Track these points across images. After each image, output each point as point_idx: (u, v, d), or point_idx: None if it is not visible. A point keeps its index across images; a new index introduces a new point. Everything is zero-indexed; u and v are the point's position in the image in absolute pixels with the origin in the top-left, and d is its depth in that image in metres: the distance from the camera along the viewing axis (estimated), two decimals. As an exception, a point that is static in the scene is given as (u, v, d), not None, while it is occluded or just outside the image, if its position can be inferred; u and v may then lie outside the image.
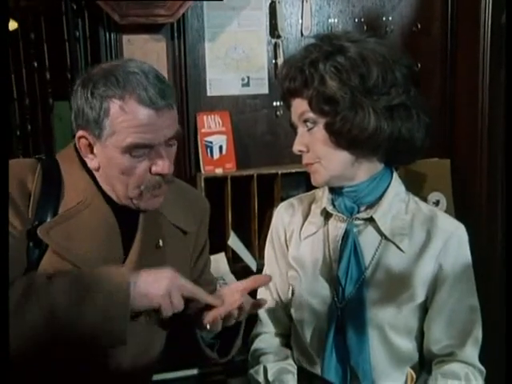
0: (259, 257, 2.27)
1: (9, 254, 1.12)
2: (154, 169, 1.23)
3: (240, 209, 2.32)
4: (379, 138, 1.27)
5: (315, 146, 1.31)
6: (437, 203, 2.46)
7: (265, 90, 2.40)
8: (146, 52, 2.19)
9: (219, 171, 2.31)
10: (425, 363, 1.42)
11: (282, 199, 1.64)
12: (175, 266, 1.26)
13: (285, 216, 1.49)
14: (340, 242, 1.37)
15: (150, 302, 1.15)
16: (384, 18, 2.48)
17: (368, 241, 1.37)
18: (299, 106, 1.31)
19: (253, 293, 1.37)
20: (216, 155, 2.32)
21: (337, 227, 1.39)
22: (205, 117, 2.32)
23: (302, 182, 2.28)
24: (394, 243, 1.35)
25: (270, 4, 2.36)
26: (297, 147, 1.34)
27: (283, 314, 1.50)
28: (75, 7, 2.21)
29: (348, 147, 1.29)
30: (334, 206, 1.40)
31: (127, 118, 1.19)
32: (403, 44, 2.49)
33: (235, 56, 2.36)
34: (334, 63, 1.26)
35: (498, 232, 2.43)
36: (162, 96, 1.20)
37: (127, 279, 1.14)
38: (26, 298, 1.10)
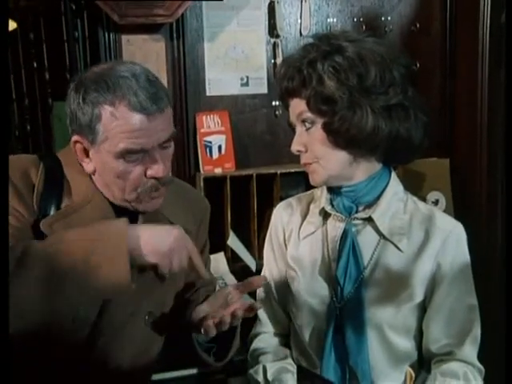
0: (258, 257, 2.27)
1: (17, 238, 1.14)
2: (148, 172, 1.23)
3: (239, 208, 2.31)
4: (377, 137, 1.27)
5: (313, 145, 1.31)
6: (436, 203, 2.46)
7: (264, 90, 2.40)
8: (145, 52, 2.19)
9: (218, 171, 2.31)
10: (424, 362, 1.43)
11: (281, 199, 1.64)
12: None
13: (283, 216, 1.49)
14: (339, 241, 1.37)
15: (150, 257, 1.13)
16: (383, 18, 2.48)
17: (366, 240, 1.37)
18: (297, 105, 1.31)
19: (253, 292, 1.37)
20: (215, 155, 2.32)
21: (335, 227, 1.39)
22: (204, 117, 2.32)
23: (301, 182, 2.28)
24: (393, 243, 1.35)
25: (269, 4, 2.36)
26: (295, 147, 1.34)
27: (282, 313, 1.50)
28: (74, 7, 2.21)
29: (346, 147, 1.29)
30: (333, 205, 1.40)
31: (119, 123, 1.18)
32: (402, 44, 2.49)
33: (234, 56, 2.36)
34: (332, 63, 1.26)
35: (497, 232, 2.43)
36: (154, 100, 1.19)
37: (126, 223, 1.13)
38: (20, 266, 1.06)
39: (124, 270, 1.09)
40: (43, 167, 1.26)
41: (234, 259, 2.32)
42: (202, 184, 2.25)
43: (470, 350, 1.37)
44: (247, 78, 2.37)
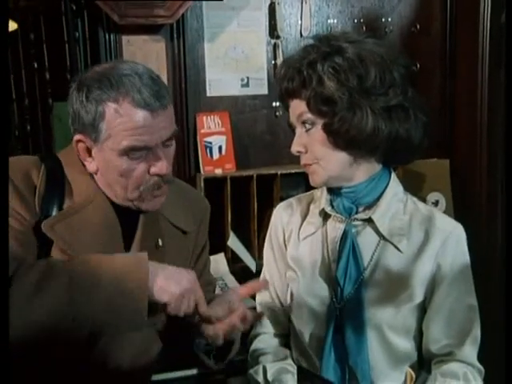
0: (259, 257, 2.27)
1: (21, 241, 1.16)
2: (152, 170, 1.23)
3: (239, 209, 2.32)
4: (377, 138, 1.27)
5: (313, 146, 1.31)
6: (436, 203, 2.46)
7: (264, 91, 2.40)
8: (146, 52, 2.19)
9: (219, 172, 2.31)
10: (424, 363, 1.42)
11: (282, 199, 1.65)
12: (175, 266, 1.26)
13: (283, 216, 1.49)
14: (339, 242, 1.37)
15: (164, 296, 1.14)
16: (383, 19, 2.49)
17: (366, 241, 1.37)
18: (297, 106, 1.31)
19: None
20: (215, 156, 2.32)
21: (335, 228, 1.39)
22: (204, 117, 2.32)
23: (302, 183, 2.28)
24: (393, 243, 1.35)
25: (270, 4, 2.36)
26: (295, 148, 1.34)
27: (282, 314, 1.50)
28: (75, 8, 2.21)
29: (346, 148, 1.29)
30: (333, 206, 1.40)
31: (123, 120, 1.18)
32: (403, 44, 2.50)
33: (235, 56, 2.36)
34: (332, 64, 1.26)
35: (497, 232, 2.43)
36: (157, 97, 1.20)
37: (146, 259, 1.14)
38: (47, 278, 1.09)
39: (142, 302, 1.11)
40: (44, 168, 1.26)
41: (234, 260, 2.32)
42: (202, 184, 2.25)
43: (470, 351, 1.37)
44: (247, 78, 2.37)
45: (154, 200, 1.27)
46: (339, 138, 1.28)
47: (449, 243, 1.35)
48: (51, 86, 2.80)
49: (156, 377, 1.52)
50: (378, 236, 1.36)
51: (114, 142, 1.20)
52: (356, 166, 1.33)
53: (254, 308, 1.49)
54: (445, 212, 2.25)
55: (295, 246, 1.45)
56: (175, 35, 2.24)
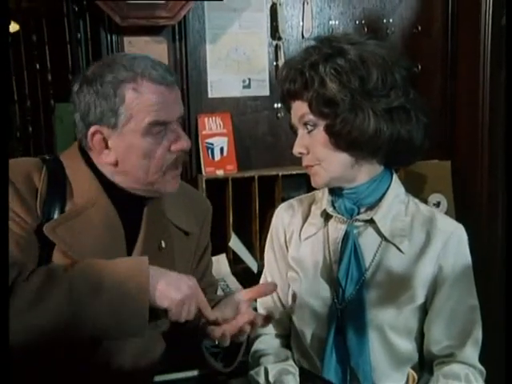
0: (260, 258, 2.27)
1: (22, 246, 1.16)
2: (173, 147, 1.26)
3: (241, 210, 2.32)
4: (379, 140, 1.27)
5: (315, 148, 1.31)
6: (437, 205, 2.46)
7: (266, 92, 2.41)
8: (147, 54, 2.19)
9: (220, 173, 2.31)
10: (425, 364, 1.42)
11: (283, 200, 1.65)
12: (177, 267, 1.27)
13: (285, 217, 1.49)
14: (340, 243, 1.37)
15: (165, 302, 1.14)
16: (385, 20, 2.49)
17: (368, 242, 1.37)
18: (299, 108, 1.31)
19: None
20: (217, 157, 2.33)
21: (337, 229, 1.39)
22: (206, 118, 2.33)
23: (303, 184, 2.28)
24: (394, 244, 1.35)
25: (271, 6, 2.36)
26: (297, 149, 1.34)
27: (283, 315, 1.50)
28: (77, 9, 2.21)
29: (348, 149, 1.30)
30: (334, 207, 1.40)
31: (143, 98, 1.21)
32: (404, 45, 2.50)
33: (236, 58, 2.36)
34: (334, 65, 1.26)
35: (498, 231, 2.43)
36: (169, 73, 1.25)
37: (146, 264, 1.14)
38: (48, 285, 1.09)
39: (143, 307, 1.11)
40: (46, 170, 1.26)
41: (235, 261, 2.32)
42: (203, 186, 2.25)
43: (471, 352, 1.37)
44: (249, 80, 2.38)
45: (172, 181, 1.29)
46: (341, 139, 1.28)
47: (450, 244, 1.35)
48: (53, 87, 2.80)
49: (157, 378, 1.52)
50: (379, 237, 1.37)
51: (136, 122, 1.22)
52: (358, 167, 1.33)
53: (255, 309, 1.49)
54: (446, 213, 2.25)
55: (296, 246, 1.45)
56: (177, 36, 2.24)
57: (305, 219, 1.46)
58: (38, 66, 2.82)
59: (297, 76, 1.30)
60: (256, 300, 1.52)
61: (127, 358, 1.30)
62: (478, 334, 1.38)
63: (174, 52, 2.25)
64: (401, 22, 2.52)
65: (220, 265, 2.25)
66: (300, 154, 1.34)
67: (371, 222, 1.36)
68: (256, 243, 2.35)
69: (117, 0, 2.04)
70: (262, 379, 1.43)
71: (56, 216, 1.22)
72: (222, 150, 2.33)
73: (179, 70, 2.25)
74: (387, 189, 1.37)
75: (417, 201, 1.43)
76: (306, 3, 2.40)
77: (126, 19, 2.08)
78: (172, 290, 1.14)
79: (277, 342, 1.52)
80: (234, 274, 2.28)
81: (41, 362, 1.20)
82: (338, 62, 1.26)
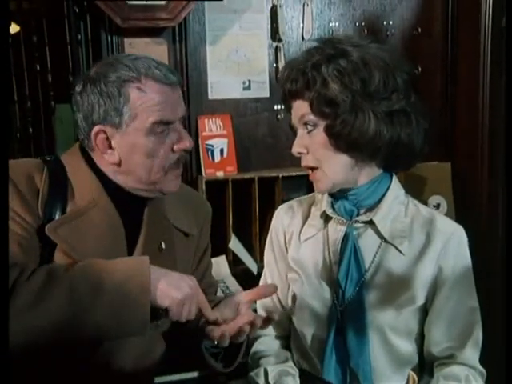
0: (260, 260, 2.27)
1: (23, 247, 1.16)
2: (176, 147, 1.27)
3: (241, 212, 2.32)
4: (379, 142, 1.27)
5: (315, 148, 1.31)
6: (437, 206, 2.46)
7: (266, 94, 2.41)
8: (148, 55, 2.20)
9: (220, 174, 2.32)
10: (425, 365, 1.42)
11: (283, 202, 1.64)
12: (177, 268, 1.27)
13: (284, 218, 1.50)
14: (340, 244, 1.37)
15: (166, 301, 1.14)
16: (385, 22, 2.50)
17: (368, 243, 1.37)
18: (300, 107, 1.31)
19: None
20: (217, 158, 2.33)
21: (337, 230, 1.39)
22: (206, 120, 2.33)
23: (303, 185, 2.29)
24: (394, 246, 1.35)
25: (272, 7, 2.37)
26: (296, 149, 1.34)
27: (283, 316, 1.50)
28: (77, 10, 2.22)
29: (347, 150, 1.29)
30: (334, 208, 1.40)
31: (147, 97, 1.22)
32: (404, 47, 2.51)
33: (236, 59, 2.37)
34: (337, 66, 1.26)
35: (498, 232, 2.43)
36: (172, 73, 1.26)
37: (147, 263, 1.13)
38: (49, 285, 1.09)
39: (144, 306, 1.11)
40: (47, 171, 1.26)
41: (235, 262, 2.33)
42: (203, 187, 2.26)
43: (472, 353, 1.37)
44: (249, 81, 2.38)
45: (174, 181, 1.30)
46: (341, 140, 1.28)
47: (450, 245, 1.35)
48: (53, 88, 2.79)
49: (157, 379, 1.52)
50: (379, 238, 1.37)
51: (140, 122, 1.22)
52: (357, 169, 1.33)
53: (255, 310, 1.49)
54: (446, 215, 2.24)
55: (296, 248, 1.45)
56: (177, 38, 2.25)
57: (304, 220, 1.46)
58: (38, 67, 2.81)
59: (299, 76, 1.30)
60: (256, 301, 1.53)
61: (128, 359, 1.30)
62: (479, 335, 1.38)
63: (174, 53, 2.26)
64: (401, 24, 2.52)
65: (220, 266, 2.25)
66: (299, 153, 1.34)
67: (371, 223, 1.36)
68: (256, 245, 2.35)
69: (117, 1, 2.04)
70: (261, 380, 1.43)
71: (57, 216, 1.22)
72: (222, 151, 2.33)
73: (179, 72, 2.25)
74: (387, 190, 1.37)
75: (416, 202, 1.43)
76: (306, 5, 2.40)
77: (126, 20, 2.08)
78: (173, 289, 1.14)
79: (277, 343, 1.52)
80: (234, 275, 2.28)
81: (41, 362, 1.20)
82: (340, 63, 1.26)
